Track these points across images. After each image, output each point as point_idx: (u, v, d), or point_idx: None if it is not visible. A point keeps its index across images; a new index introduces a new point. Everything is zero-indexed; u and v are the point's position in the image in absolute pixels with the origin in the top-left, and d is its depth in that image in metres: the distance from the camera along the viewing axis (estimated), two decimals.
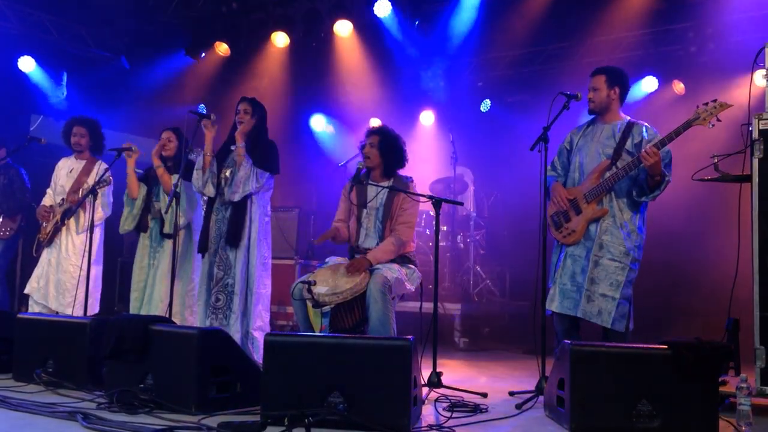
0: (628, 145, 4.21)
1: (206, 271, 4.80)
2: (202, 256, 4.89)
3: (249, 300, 4.72)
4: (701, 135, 6.09)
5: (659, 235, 6.81)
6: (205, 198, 4.98)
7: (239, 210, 4.73)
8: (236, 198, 4.70)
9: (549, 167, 4.49)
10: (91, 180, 5.65)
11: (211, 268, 4.76)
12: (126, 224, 5.44)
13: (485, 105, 8.60)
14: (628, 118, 4.34)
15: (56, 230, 5.68)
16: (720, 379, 3.19)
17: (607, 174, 4.18)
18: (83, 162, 5.81)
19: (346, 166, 7.60)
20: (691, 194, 6.13)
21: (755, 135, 3.75)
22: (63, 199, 5.73)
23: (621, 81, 4.34)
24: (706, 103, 3.93)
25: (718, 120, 3.90)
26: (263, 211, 4.85)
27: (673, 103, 7.26)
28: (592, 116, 4.43)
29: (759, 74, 3.95)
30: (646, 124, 4.28)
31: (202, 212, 5.41)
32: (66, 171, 5.84)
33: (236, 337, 4.58)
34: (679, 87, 7.29)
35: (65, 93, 8.21)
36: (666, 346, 3.16)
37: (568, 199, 4.28)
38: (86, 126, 5.81)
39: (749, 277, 3.70)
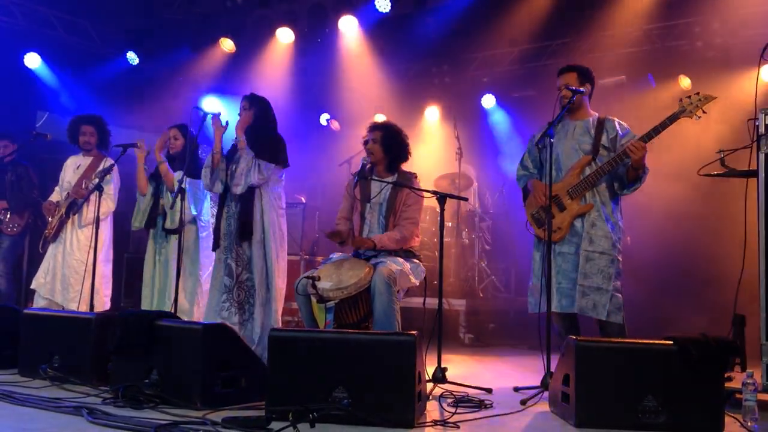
0: (604, 140, 4.28)
1: (221, 268, 4.75)
2: (215, 252, 4.87)
3: (271, 294, 4.70)
4: (707, 130, 6.08)
5: (665, 231, 6.82)
6: (215, 195, 4.99)
7: (246, 204, 4.72)
8: (238, 190, 4.69)
9: (519, 166, 4.62)
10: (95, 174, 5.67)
11: (226, 263, 4.71)
12: (136, 221, 5.46)
13: (489, 101, 8.58)
14: (596, 114, 4.41)
15: (61, 224, 5.70)
16: (726, 375, 3.17)
17: (588, 170, 4.25)
18: (90, 159, 5.85)
19: (350, 162, 7.61)
20: (697, 190, 6.11)
21: (762, 130, 3.73)
22: (68, 194, 5.75)
23: (590, 78, 4.42)
24: (689, 96, 4.01)
25: (704, 112, 3.97)
26: (275, 204, 4.81)
27: (680, 98, 7.22)
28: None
29: (766, 69, 3.94)
30: (615, 118, 4.35)
31: (210, 209, 5.42)
32: (73, 168, 5.87)
33: (258, 331, 4.57)
34: (685, 82, 7.25)
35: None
36: (671, 342, 3.15)
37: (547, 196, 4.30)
38: (94, 124, 5.84)
39: (756, 272, 3.69)
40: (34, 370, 4.02)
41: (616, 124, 4.31)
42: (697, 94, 4.01)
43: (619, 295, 4.16)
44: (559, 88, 4.38)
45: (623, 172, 4.18)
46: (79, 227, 5.71)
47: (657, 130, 4.02)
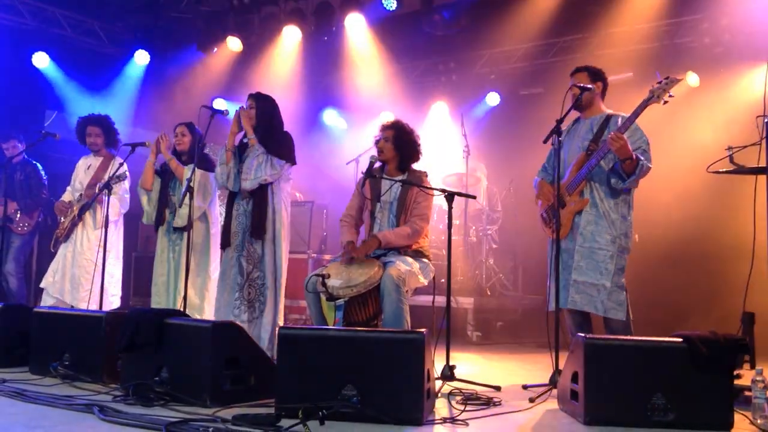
0: (605, 136, 4.26)
1: (231, 265, 4.75)
2: (224, 251, 4.86)
3: (278, 293, 4.72)
4: (715, 127, 6.06)
5: (674, 229, 6.80)
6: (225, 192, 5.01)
7: (260, 201, 4.73)
8: (247, 185, 4.69)
9: (540, 169, 4.66)
10: (107, 175, 5.70)
11: (238, 261, 4.72)
12: (145, 217, 5.48)
13: (494, 98, 8.59)
14: (608, 111, 4.40)
15: (73, 225, 5.73)
16: (735, 373, 3.17)
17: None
18: (101, 159, 5.87)
19: (357, 160, 7.61)
20: (706, 187, 6.09)
21: None
22: (81, 195, 5.78)
23: (601, 77, 4.45)
24: (660, 82, 4.05)
25: (671, 96, 4.03)
26: (286, 202, 4.84)
27: (688, 94, 7.20)
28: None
29: None
30: (623, 114, 4.32)
31: (218, 206, 5.44)
32: (84, 168, 5.91)
33: (268, 329, 4.58)
34: (693, 79, 7.23)
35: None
36: (681, 340, 3.14)
37: (554, 195, 4.31)
38: (99, 125, 5.85)
39: (765, 270, 3.68)
40: (44, 368, 4.04)
41: (620, 119, 4.29)
42: (667, 78, 4.04)
43: (623, 291, 4.14)
44: (571, 88, 4.39)
45: (618, 165, 4.16)
46: (92, 227, 5.73)
47: (630, 120, 4.08)
